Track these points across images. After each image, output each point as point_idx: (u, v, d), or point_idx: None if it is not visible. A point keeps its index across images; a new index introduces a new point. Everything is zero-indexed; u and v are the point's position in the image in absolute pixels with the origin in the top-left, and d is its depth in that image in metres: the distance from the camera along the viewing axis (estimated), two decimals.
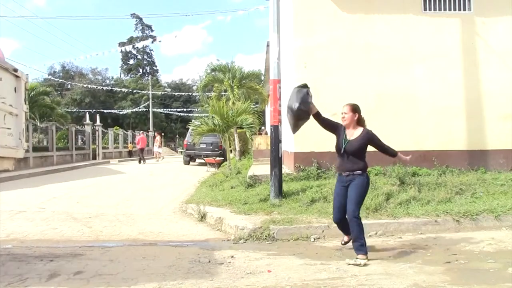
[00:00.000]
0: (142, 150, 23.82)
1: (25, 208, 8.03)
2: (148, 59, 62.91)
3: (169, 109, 49.45)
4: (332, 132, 4.73)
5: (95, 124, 26.62)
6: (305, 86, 4.73)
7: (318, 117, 4.72)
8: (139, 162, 23.03)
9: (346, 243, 4.86)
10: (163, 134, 48.01)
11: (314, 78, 9.08)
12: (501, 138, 9.10)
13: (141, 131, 29.59)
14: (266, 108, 20.44)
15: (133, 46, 50.83)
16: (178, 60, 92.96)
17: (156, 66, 64.00)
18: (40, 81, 39.59)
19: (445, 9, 9.28)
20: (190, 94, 49.72)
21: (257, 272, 4.15)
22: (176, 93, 50.32)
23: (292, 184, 8.19)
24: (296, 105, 4.56)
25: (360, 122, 4.65)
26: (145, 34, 59.24)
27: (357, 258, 4.33)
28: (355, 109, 4.63)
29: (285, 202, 6.98)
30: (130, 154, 31.50)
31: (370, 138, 4.58)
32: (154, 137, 31.36)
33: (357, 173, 4.51)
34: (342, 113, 4.65)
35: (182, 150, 27.31)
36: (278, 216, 6.17)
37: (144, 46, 56.68)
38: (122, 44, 53.49)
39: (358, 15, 9.25)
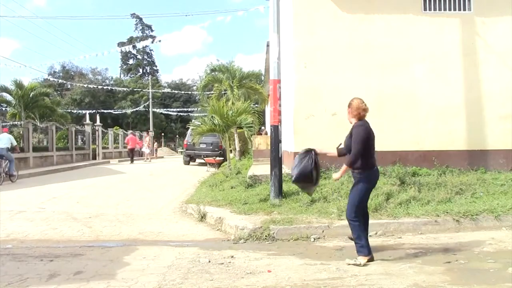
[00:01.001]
0: (132, 150, 23.73)
1: (25, 208, 8.03)
2: (148, 59, 62.92)
3: (169, 109, 49.44)
4: None
5: (95, 124, 26.61)
6: (309, 151, 4.85)
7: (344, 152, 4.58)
8: (131, 161, 22.93)
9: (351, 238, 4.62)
10: (163, 134, 48.13)
11: (314, 78, 9.12)
12: (501, 138, 9.10)
13: (130, 131, 29.30)
14: (266, 108, 20.44)
15: (133, 46, 50.90)
16: (178, 60, 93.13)
17: (156, 66, 64.10)
18: (40, 81, 39.60)
19: (445, 9, 9.28)
20: (189, 93, 49.70)
21: (257, 272, 4.15)
22: (176, 91, 50.29)
23: (292, 184, 8.17)
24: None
25: (357, 114, 4.42)
26: (145, 34, 59.26)
27: (357, 258, 4.33)
28: (348, 105, 4.51)
29: (285, 202, 6.98)
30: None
31: (351, 132, 4.37)
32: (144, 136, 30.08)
33: (357, 171, 4.41)
34: None
35: (182, 150, 27.23)
36: (278, 216, 6.17)
37: (144, 46, 56.68)
38: (122, 44, 53.55)
39: (358, 15, 9.24)
